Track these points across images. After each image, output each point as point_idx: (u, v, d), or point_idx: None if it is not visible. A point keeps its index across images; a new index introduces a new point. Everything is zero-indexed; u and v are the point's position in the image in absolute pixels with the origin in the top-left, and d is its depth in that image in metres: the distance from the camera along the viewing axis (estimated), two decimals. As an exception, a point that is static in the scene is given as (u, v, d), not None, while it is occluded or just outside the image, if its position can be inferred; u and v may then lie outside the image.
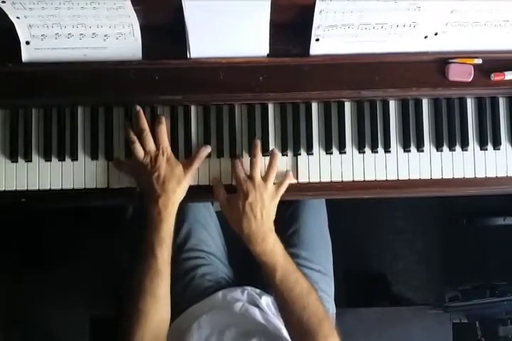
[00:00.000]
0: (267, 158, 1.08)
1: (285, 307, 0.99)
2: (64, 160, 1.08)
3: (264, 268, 1.00)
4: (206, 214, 1.30)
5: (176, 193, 1.01)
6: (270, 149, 1.07)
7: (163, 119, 1.05)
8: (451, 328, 1.63)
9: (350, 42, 1.04)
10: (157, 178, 1.00)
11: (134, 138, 1.03)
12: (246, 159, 1.07)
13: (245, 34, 1.02)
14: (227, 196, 1.04)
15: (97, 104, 1.08)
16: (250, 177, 1.02)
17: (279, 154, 1.06)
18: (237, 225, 1.02)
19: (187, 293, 1.18)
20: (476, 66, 1.06)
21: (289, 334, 1.00)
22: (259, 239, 1.00)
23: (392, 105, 1.10)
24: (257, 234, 1.00)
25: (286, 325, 1.02)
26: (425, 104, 1.10)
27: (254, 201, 1.00)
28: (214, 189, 1.06)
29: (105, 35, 1.01)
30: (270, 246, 1.00)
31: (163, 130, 1.04)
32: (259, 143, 1.05)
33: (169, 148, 1.03)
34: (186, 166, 1.03)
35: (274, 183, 1.04)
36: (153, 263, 0.96)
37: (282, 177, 1.06)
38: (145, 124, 1.04)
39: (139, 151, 1.02)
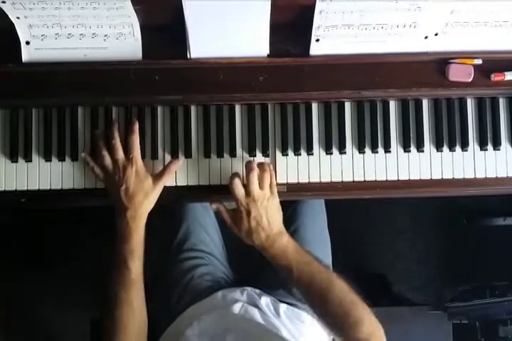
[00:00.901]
0: (267, 159, 1.08)
1: (310, 303, 1.00)
2: (64, 160, 1.08)
3: (281, 271, 1.01)
4: (205, 214, 1.30)
5: (143, 206, 1.00)
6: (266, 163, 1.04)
7: (136, 127, 1.03)
8: (451, 328, 1.62)
9: (350, 43, 1.04)
10: (125, 191, 0.99)
11: (102, 145, 1.03)
12: (246, 159, 1.07)
13: (245, 34, 1.02)
14: (232, 216, 1.03)
15: (97, 104, 1.08)
16: (248, 192, 1.00)
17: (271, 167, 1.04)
18: (248, 239, 1.02)
19: (186, 294, 1.18)
20: (476, 66, 1.06)
21: (324, 328, 1.02)
22: (270, 245, 1.00)
23: (392, 105, 1.10)
24: (267, 241, 1.00)
25: (318, 319, 1.03)
26: (425, 104, 1.10)
27: (258, 214, 1.00)
28: (220, 214, 1.06)
29: (105, 35, 1.01)
30: (281, 247, 1.00)
31: (136, 139, 1.02)
32: (251, 162, 1.02)
33: (139, 159, 1.02)
34: (156, 179, 1.02)
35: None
36: (126, 274, 0.97)
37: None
38: (115, 132, 1.03)
39: (107, 160, 1.01)
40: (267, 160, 1.08)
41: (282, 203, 1.05)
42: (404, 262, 1.89)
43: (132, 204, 0.99)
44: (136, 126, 1.04)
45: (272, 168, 1.04)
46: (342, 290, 0.98)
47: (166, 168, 1.04)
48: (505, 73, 1.06)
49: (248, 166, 1.01)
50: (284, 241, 1.01)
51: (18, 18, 0.98)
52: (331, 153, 1.09)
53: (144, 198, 1.00)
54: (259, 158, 1.08)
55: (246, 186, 1.00)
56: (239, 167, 1.08)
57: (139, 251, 0.99)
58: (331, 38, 1.02)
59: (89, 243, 1.78)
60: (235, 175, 1.01)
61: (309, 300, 1.01)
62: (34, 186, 1.07)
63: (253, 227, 1.00)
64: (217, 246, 1.30)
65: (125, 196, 0.99)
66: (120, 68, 1.04)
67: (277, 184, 1.06)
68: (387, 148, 1.09)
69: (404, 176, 1.09)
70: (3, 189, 1.07)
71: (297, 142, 1.09)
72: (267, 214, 1.00)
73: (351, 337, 0.94)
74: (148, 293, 1.25)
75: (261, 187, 1.00)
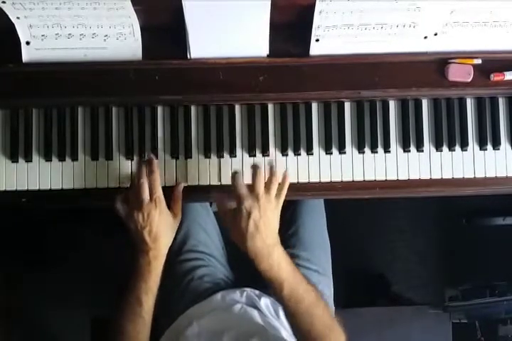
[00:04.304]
0: (267, 158, 1.08)
1: (294, 318, 0.98)
2: (64, 160, 1.08)
3: (271, 284, 0.98)
4: (204, 215, 1.30)
5: (166, 245, 1.01)
6: (284, 171, 1.02)
7: (156, 166, 1.01)
8: (450, 328, 1.63)
9: (350, 43, 1.04)
10: (149, 232, 0.97)
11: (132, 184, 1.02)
12: (246, 159, 1.08)
13: (245, 34, 1.02)
14: (232, 213, 0.99)
15: (97, 104, 1.08)
16: (252, 189, 0.97)
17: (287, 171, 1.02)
18: (242, 243, 0.97)
19: (185, 295, 1.18)
20: (475, 66, 1.06)
21: None
22: (265, 255, 0.96)
23: (392, 105, 1.10)
24: (263, 250, 0.96)
25: (296, 334, 1.02)
26: (425, 104, 1.10)
27: (258, 218, 0.95)
28: (218, 207, 1.03)
29: (105, 36, 1.01)
30: (276, 261, 0.96)
31: (157, 179, 1.00)
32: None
33: (163, 199, 1.00)
34: (174, 212, 1.03)
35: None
36: (138, 310, 0.97)
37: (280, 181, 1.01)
38: (144, 171, 1.00)
39: (131, 197, 0.99)
40: (267, 160, 1.08)
41: (282, 204, 1.05)
42: (403, 262, 1.89)
43: (156, 245, 0.98)
44: (156, 164, 1.02)
45: (287, 175, 1.00)
46: (326, 308, 0.99)
47: (175, 198, 1.04)
48: (505, 73, 1.06)
49: (255, 166, 0.99)
50: (279, 254, 0.97)
51: (18, 18, 0.98)
52: (331, 153, 1.09)
53: (166, 238, 1.00)
54: (259, 158, 1.09)
55: (251, 184, 0.97)
56: (239, 167, 1.08)
57: (154, 290, 0.99)
58: (330, 38, 1.03)
59: (90, 243, 1.78)
60: (238, 172, 0.99)
61: (296, 317, 0.98)
62: (34, 186, 1.07)
63: (250, 229, 0.95)
64: (217, 247, 1.30)
65: (149, 237, 0.98)
66: (120, 68, 1.04)
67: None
68: (386, 148, 1.09)
69: (403, 176, 1.09)
70: (3, 189, 1.07)
71: (297, 142, 1.09)
72: (267, 221, 0.96)
73: None
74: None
75: (267, 188, 0.97)
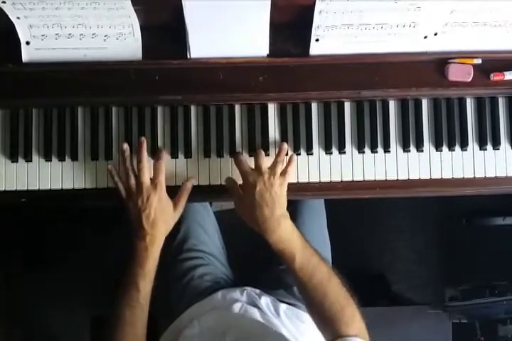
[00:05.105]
0: (267, 158, 1.08)
1: (307, 294, 0.98)
2: (64, 160, 1.08)
3: (283, 257, 0.98)
4: (205, 214, 1.30)
5: (163, 232, 1.01)
6: (291, 154, 1.05)
7: (163, 154, 1.04)
8: (450, 328, 1.63)
9: (350, 43, 1.04)
10: (147, 216, 0.98)
11: (129, 165, 1.02)
12: (246, 159, 1.07)
13: (245, 34, 1.02)
14: (238, 192, 1.01)
15: (97, 104, 1.08)
16: (256, 166, 1.00)
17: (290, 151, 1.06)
18: (250, 218, 0.99)
19: (186, 294, 1.18)
20: (475, 66, 1.06)
21: (314, 321, 0.99)
22: (274, 226, 0.97)
23: (392, 105, 1.10)
24: (271, 222, 0.97)
25: (309, 313, 1.01)
26: (425, 104, 1.10)
27: (263, 188, 0.97)
28: (230, 189, 1.04)
29: (105, 36, 1.01)
30: (286, 232, 0.97)
31: (162, 166, 1.02)
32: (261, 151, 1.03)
33: (164, 185, 1.01)
34: (176, 203, 1.03)
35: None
36: (135, 296, 0.97)
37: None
38: (145, 155, 1.02)
39: (131, 181, 1.01)
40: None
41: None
42: (403, 262, 1.89)
43: (153, 230, 0.99)
44: (163, 153, 1.04)
45: (294, 157, 1.03)
46: (339, 284, 0.97)
47: (182, 189, 1.04)
48: (505, 73, 1.06)
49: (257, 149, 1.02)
50: (289, 226, 0.98)
51: (18, 18, 0.98)
52: (331, 153, 1.09)
53: (164, 224, 1.01)
54: (259, 157, 1.08)
55: (255, 162, 1.00)
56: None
57: (151, 275, 0.99)
58: (330, 37, 1.03)
59: (89, 242, 1.78)
60: (239, 152, 1.02)
61: (307, 292, 0.97)
62: (34, 186, 1.07)
63: (257, 201, 0.96)
64: (217, 246, 1.30)
65: (147, 222, 0.98)
66: (120, 68, 1.04)
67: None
68: (386, 148, 1.09)
69: (403, 176, 1.09)
70: (3, 189, 1.07)
71: (297, 142, 1.09)
72: (273, 193, 0.97)
73: (343, 332, 0.92)
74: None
75: (272, 165, 0.99)
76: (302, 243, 0.98)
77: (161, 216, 1.00)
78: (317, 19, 0.99)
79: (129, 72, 1.05)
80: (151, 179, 1.01)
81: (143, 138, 1.04)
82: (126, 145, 1.04)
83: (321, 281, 0.96)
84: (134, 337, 0.97)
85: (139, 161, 1.01)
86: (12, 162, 1.08)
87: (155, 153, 1.07)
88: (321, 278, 0.96)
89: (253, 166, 1.02)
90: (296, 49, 1.06)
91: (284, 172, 1.01)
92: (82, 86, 1.05)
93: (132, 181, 1.01)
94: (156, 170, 1.02)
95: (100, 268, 1.73)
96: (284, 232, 0.97)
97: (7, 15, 0.97)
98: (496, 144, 1.10)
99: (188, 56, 1.04)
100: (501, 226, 1.85)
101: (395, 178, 1.09)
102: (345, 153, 1.09)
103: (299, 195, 1.10)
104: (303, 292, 0.99)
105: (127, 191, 1.01)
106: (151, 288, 1.00)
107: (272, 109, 1.09)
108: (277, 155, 1.03)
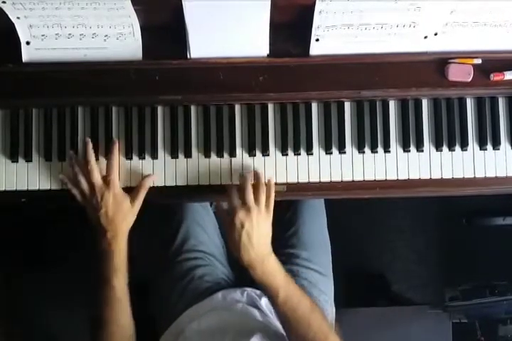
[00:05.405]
0: (267, 158, 1.08)
1: (290, 326, 0.99)
2: (64, 160, 1.08)
3: (267, 291, 1.00)
4: (204, 214, 1.30)
5: (123, 226, 1.01)
6: (268, 179, 1.04)
7: (116, 148, 1.04)
8: (450, 328, 1.63)
9: (350, 43, 1.04)
10: (104, 214, 0.99)
11: (77, 170, 1.02)
12: (246, 159, 1.08)
13: (245, 34, 1.02)
14: (228, 223, 1.01)
15: (97, 104, 1.08)
16: (243, 200, 1.00)
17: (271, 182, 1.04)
18: (237, 253, 1.00)
19: (186, 294, 1.18)
20: (475, 66, 1.06)
21: None
22: (259, 263, 0.99)
23: (392, 105, 1.10)
24: (257, 259, 0.99)
25: None
26: (425, 104, 1.10)
27: (250, 229, 0.98)
28: (220, 213, 1.05)
29: (105, 36, 1.01)
30: (270, 267, 0.99)
31: (114, 160, 1.03)
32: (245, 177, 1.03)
33: (117, 181, 1.02)
34: (133, 199, 1.03)
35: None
36: (111, 293, 0.98)
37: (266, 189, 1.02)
38: (91, 155, 1.02)
39: (83, 184, 1.01)
40: (267, 159, 1.08)
41: (282, 204, 1.05)
42: (403, 262, 1.89)
43: (112, 226, 1.00)
44: (116, 147, 1.04)
45: (272, 183, 1.03)
46: (321, 314, 0.99)
47: (140, 185, 1.04)
48: (505, 73, 1.06)
49: (242, 177, 1.02)
50: (273, 263, 1.00)
51: (18, 18, 0.98)
52: (331, 153, 1.09)
53: (122, 220, 1.01)
54: (259, 157, 1.09)
55: (240, 195, 1.00)
56: (238, 167, 1.08)
57: (122, 269, 1.00)
58: (330, 37, 1.03)
59: (89, 242, 1.77)
60: (233, 186, 1.02)
61: (291, 324, 0.98)
62: (34, 186, 1.07)
63: (244, 241, 0.98)
64: (217, 247, 1.30)
65: (105, 219, 1.00)
66: (120, 68, 1.04)
67: (277, 184, 1.06)
68: (386, 148, 1.09)
69: (403, 176, 1.09)
70: (3, 189, 1.07)
71: (297, 142, 1.09)
72: (258, 231, 0.99)
73: None
74: (148, 293, 1.25)
75: (256, 199, 1.00)
76: (285, 277, 1.00)
77: (117, 212, 1.00)
78: (317, 19, 0.99)
79: (129, 72, 1.05)
80: (103, 177, 1.01)
81: (88, 139, 1.04)
82: (71, 152, 1.05)
83: (303, 314, 0.97)
84: (121, 334, 0.98)
85: (86, 163, 1.01)
86: (12, 162, 1.08)
87: (153, 153, 1.07)
88: (303, 310, 0.98)
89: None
90: (296, 49, 1.06)
91: (268, 202, 1.01)
92: (82, 86, 1.05)
93: (84, 185, 1.01)
94: (107, 167, 1.02)
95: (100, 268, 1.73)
96: (267, 269, 0.99)
97: (7, 15, 0.97)
98: (496, 144, 1.10)
99: (188, 56, 1.04)
100: (501, 226, 1.85)
101: (395, 178, 1.09)
102: (345, 153, 1.09)
103: (299, 195, 1.10)
104: (287, 324, 1.00)
105: (81, 195, 1.02)
106: (126, 282, 1.00)
107: (271, 109, 1.09)
108: (257, 187, 1.01)
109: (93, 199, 1.00)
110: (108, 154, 1.04)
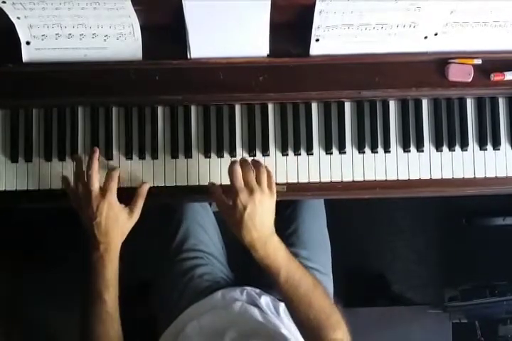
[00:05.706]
0: (267, 158, 1.08)
1: (292, 305, 0.98)
2: (64, 160, 1.08)
3: (268, 271, 0.98)
4: (204, 214, 1.30)
5: (117, 240, 0.99)
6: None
7: (96, 157, 1.00)
8: (450, 328, 1.63)
9: (350, 43, 1.04)
10: (98, 225, 0.97)
11: (79, 173, 1.00)
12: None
13: (245, 34, 1.02)
14: (228, 205, 0.98)
15: (97, 104, 1.08)
16: (246, 182, 0.97)
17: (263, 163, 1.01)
18: (238, 234, 0.98)
19: (186, 294, 1.18)
20: (475, 66, 1.06)
21: (299, 331, 0.99)
22: (262, 244, 0.96)
23: (392, 105, 1.10)
24: (259, 241, 0.96)
25: (295, 323, 1.01)
26: (425, 104, 1.10)
27: (253, 210, 0.95)
28: (214, 197, 1.02)
29: (105, 36, 1.01)
30: (272, 249, 0.97)
31: (115, 173, 1.00)
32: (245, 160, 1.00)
33: (114, 191, 0.99)
34: (131, 209, 1.01)
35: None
36: (102, 307, 0.96)
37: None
38: (95, 162, 1.00)
39: (80, 189, 0.99)
40: (267, 159, 1.08)
41: (282, 203, 1.05)
42: (403, 262, 1.90)
43: (106, 238, 0.97)
44: (96, 155, 1.01)
45: (268, 168, 1.00)
46: (323, 293, 0.98)
47: (137, 194, 1.02)
48: (505, 73, 1.06)
49: (241, 161, 0.98)
50: (275, 243, 0.98)
51: (18, 18, 0.98)
52: (331, 153, 1.09)
53: (117, 233, 0.99)
54: (259, 157, 1.09)
55: (244, 177, 0.97)
56: (238, 167, 1.08)
57: (114, 283, 0.97)
58: (330, 37, 1.03)
59: (89, 242, 1.77)
60: (235, 163, 0.98)
61: (293, 303, 0.98)
62: (34, 186, 1.07)
63: (246, 222, 0.95)
64: (216, 246, 1.30)
65: (98, 230, 0.97)
66: (120, 68, 1.04)
67: (277, 184, 1.06)
68: (386, 148, 1.09)
69: (403, 176, 1.09)
70: (3, 189, 1.07)
71: (297, 142, 1.09)
72: (262, 213, 0.96)
73: (330, 338, 0.94)
74: (148, 293, 1.26)
75: (258, 181, 0.97)
76: (287, 257, 0.98)
77: (113, 224, 0.98)
78: (317, 19, 0.99)
79: (129, 72, 1.05)
80: (101, 187, 0.99)
81: (96, 148, 1.02)
82: (78, 155, 1.04)
83: (306, 292, 0.96)
84: None
85: (88, 168, 0.99)
86: (12, 162, 1.08)
87: (153, 153, 1.07)
88: (306, 289, 0.97)
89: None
90: (296, 49, 1.06)
91: (270, 184, 0.98)
92: (82, 86, 1.05)
93: (80, 190, 0.99)
94: (107, 176, 0.99)
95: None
96: (270, 249, 0.97)
97: (7, 15, 0.97)
98: (496, 144, 1.10)
99: (188, 56, 1.04)
100: (501, 227, 1.85)
101: (395, 178, 1.09)
102: (345, 153, 1.09)
103: (298, 195, 1.10)
104: (289, 303, 0.99)
105: (77, 199, 0.99)
106: (117, 295, 0.98)
107: (272, 109, 1.09)
108: (257, 170, 0.98)
109: (89, 208, 0.97)
110: (88, 161, 1.00)
